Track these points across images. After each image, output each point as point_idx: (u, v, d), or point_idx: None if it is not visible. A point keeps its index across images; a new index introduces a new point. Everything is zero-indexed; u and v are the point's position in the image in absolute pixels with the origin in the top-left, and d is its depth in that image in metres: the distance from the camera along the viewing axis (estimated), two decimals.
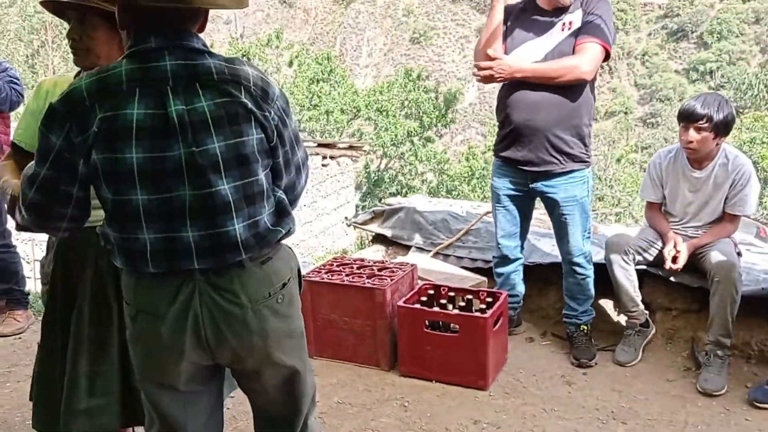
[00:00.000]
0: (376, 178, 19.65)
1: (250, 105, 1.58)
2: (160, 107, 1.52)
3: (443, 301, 3.26)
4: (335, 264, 3.59)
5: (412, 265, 3.56)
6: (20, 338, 3.81)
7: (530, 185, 3.24)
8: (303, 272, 3.40)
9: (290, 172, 1.75)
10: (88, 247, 2.05)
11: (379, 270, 3.47)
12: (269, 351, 1.70)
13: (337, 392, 3.12)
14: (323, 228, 9.26)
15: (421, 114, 20.68)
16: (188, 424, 1.76)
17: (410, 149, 19.81)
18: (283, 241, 1.76)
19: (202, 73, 1.55)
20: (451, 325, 3.15)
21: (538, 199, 3.38)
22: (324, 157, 9.49)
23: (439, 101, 21.66)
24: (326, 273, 3.45)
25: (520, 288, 3.60)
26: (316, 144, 9.35)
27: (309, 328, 3.43)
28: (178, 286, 1.60)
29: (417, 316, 3.18)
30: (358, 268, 3.49)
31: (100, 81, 1.53)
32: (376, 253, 4.46)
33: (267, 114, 1.61)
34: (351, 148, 10.40)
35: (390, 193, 17.84)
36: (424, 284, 3.44)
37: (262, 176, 1.64)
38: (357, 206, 13.81)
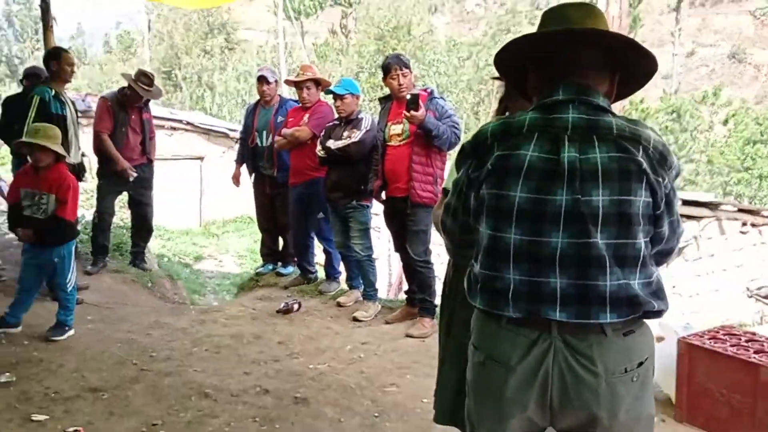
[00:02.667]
0: None
1: (644, 165, 1.55)
2: (553, 153, 1.58)
3: None
4: (721, 332, 3.42)
5: None
6: (424, 341, 4.48)
7: None
8: (683, 334, 3.36)
9: (669, 242, 1.69)
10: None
11: None
12: (614, 429, 1.61)
13: None
14: (727, 298, 8.53)
15: None
16: None
17: None
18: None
19: (602, 127, 1.59)
20: None
21: None
22: (744, 224, 8.73)
23: None
24: (709, 339, 3.32)
25: None
26: (735, 209, 8.67)
27: (682, 392, 3.35)
28: (534, 339, 1.59)
29: None
30: (745, 341, 3.28)
31: (504, 124, 1.68)
32: None
33: (660, 179, 1.58)
34: None
35: None
36: None
37: (641, 241, 1.58)
38: None
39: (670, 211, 1.63)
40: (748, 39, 51.03)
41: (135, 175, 5.94)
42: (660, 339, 3.84)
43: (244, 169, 6.33)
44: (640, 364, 1.62)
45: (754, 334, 3.44)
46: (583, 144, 1.57)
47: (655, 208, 1.59)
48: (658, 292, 1.63)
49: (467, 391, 1.78)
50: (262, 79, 6.00)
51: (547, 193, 1.57)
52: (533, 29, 1.80)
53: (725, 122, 21.29)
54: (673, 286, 8.35)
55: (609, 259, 1.55)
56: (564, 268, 1.57)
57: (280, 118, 5.87)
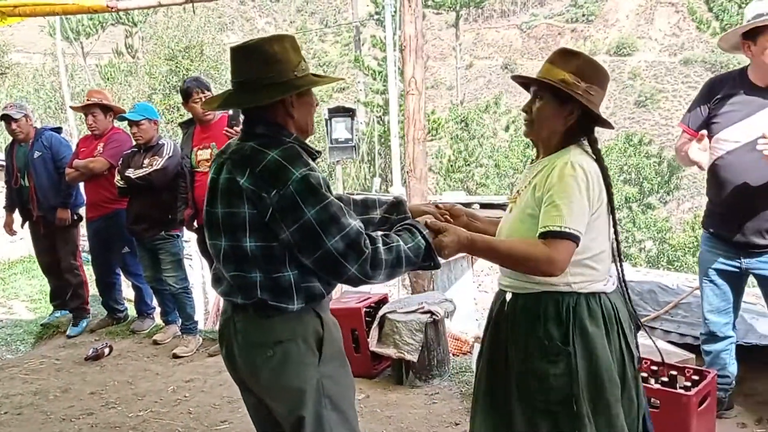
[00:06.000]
0: None
1: (243, 183, 1.88)
2: (215, 174, 2.01)
3: (644, 375, 3.19)
4: None
5: None
6: None
7: (743, 260, 3.10)
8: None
9: (316, 258, 1.87)
10: None
11: None
12: (262, 394, 2.04)
13: None
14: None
15: (641, 180, 19.86)
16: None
17: (628, 216, 19.04)
18: None
19: (234, 153, 1.98)
20: (652, 400, 3.07)
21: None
22: None
23: (662, 167, 20.66)
24: None
25: (732, 369, 3.39)
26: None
27: None
28: (225, 315, 2.07)
29: None
30: None
31: (222, 150, 2.10)
32: None
33: (265, 194, 1.86)
34: None
35: None
36: None
37: (250, 244, 1.92)
38: None
39: (286, 221, 1.86)
40: (517, 51, 56.15)
41: None
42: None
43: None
44: (279, 342, 1.96)
45: None
46: (221, 167, 1.98)
47: (261, 217, 1.89)
48: (276, 288, 1.94)
49: None
50: (6, 119, 5.41)
51: (211, 207, 2.02)
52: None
53: (507, 128, 23.20)
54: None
55: (228, 256, 1.98)
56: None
57: (37, 153, 5.38)
